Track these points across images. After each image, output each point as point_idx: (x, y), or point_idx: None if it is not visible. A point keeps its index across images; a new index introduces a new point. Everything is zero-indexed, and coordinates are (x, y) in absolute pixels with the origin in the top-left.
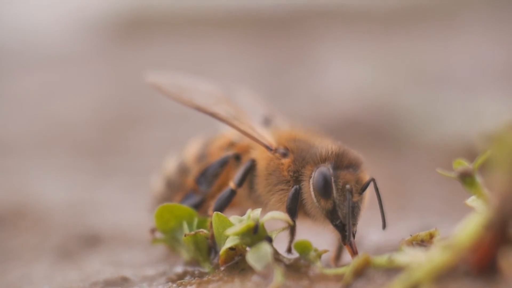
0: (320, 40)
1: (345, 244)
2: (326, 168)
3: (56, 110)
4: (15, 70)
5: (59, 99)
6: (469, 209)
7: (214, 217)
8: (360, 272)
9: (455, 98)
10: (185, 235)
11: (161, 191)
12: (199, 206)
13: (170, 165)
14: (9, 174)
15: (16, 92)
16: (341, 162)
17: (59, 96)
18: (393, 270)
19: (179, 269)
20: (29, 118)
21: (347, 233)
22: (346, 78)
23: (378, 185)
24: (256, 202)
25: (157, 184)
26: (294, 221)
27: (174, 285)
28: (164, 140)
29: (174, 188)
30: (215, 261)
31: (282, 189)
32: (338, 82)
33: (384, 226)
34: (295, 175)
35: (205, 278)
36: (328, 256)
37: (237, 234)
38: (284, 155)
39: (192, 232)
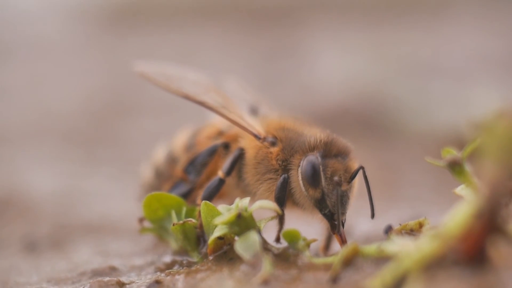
0: (311, 30)
1: (334, 233)
2: (314, 157)
3: (45, 100)
4: (4, 60)
5: (48, 89)
6: (458, 197)
7: (203, 206)
8: (349, 261)
9: (446, 87)
10: (173, 224)
11: (149, 181)
12: (187, 195)
13: (159, 155)
14: None
15: (5, 82)
16: (329, 151)
17: (49, 86)
18: (382, 259)
19: (167, 258)
20: (18, 108)
21: (336, 222)
22: (337, 67)
23: (368, 174)
24: (245, 191)
25: (145, 174)
26: (282, 210)
27: (163, 274)
28: (154, 129)
29: (162, 178)
30: (204, 250)
31: (271, 178)
32: (329, 72)
33: (372, 215)
34: (283, 164)
35: (193, 268)
36: (317, 245)
37: (225, 223)
38: (273, 143)
39: (181, 222)
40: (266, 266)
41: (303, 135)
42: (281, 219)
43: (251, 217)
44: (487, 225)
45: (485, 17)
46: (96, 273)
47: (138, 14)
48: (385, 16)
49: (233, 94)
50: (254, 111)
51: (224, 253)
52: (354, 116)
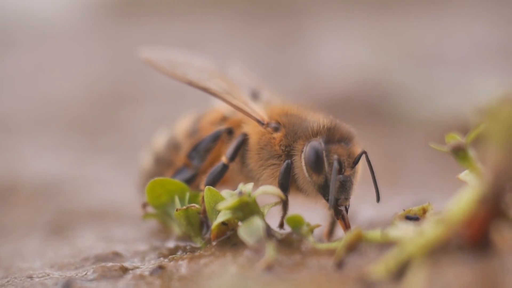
0: (315, 18)
1: (337, 219)
2: (317, 143)
3: (49, 88)
4: (9, 48)
5: (52, 77)
6: (462, 183)
7: (206, 191)
8: (353, 246)
9: (449, 75)
10: (176, 210)
11: (149, 168)
12: (191, 181)
13: (160, 141)
14: (2, 151)
15: (9, 70)
16: (332, 136)
17: (53, 74)
18: (385, 244)
19: (170, 244)
20: (22, 96)
21: (340, 208)
22: (341, 56)
23: (372, 161)
24: (248, 177)
25: (145, 160)
26: (286, 196)
27: (166, 260)
28: (157, 117)
29: (162, 165)
30: (207, 236)
31: (274, 164)
32: (333, 60)
33: (378, 198)
34: (287, 149)
35: (197, 253)
36: (321, 231)
37: (229, 208)
38: (276, 129)
39: (184, 207)
40: (270, 251)
41: (306, 120)
42: (284, 204)
43: (254, 203)
44: (491, 210)
45: (488, 6)
46: (100, 258)
47: (143, 3)
48: (389, 5)
49: (235, 80)
50: (255, 96)
51: (228, 239)
52: (358, 103)
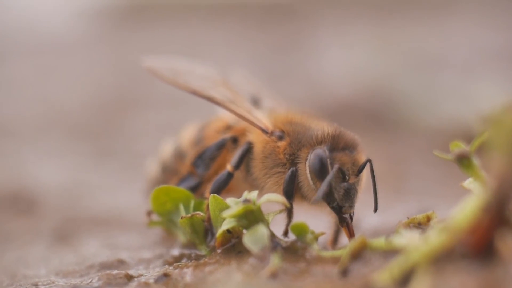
0: (317, 25)
1: (342, 227)
2: (322, 150)
3: (53, 94)
4: (13, 55)
5: (56, 83)
6: (466, 191)
7: (211, 199)
8: (357, 254)
9: (452, 81)
10: (181, 218)
11: (156, 176)
12: (196, 189)
13: (166, 150)
14: (5, 157)
15: (13, 76)
16: (337, 144)
17: (56, 80)
18: (390, 252)
19: (175, 251)
20: (26, 102)
21: (344, 215)
22: (343, 62)
23: (375, 168)
24: (253, 185)
25: (152, 169)
26: (291, 204)
27: (171, 267)
28: (160, 124)
29: (169, 173)
30: (212, 243)
31: (279, 172)
32: (335, 66)
33: (375, 208)
34: (291, 157)
35: (201, 261)
36: (325, 238)
37: (233, 216)
38: (280, 138)
39: (189, 215)
40: (274, 259)
41: (310, 128)
42: (289, 212)
43: (259, 211)
44: (495, 218)
45: (489, 12)
46: (104, 266)
47: (146, 10)
48: (391, 11)
49: (238, 87)
50: (256, 103)
51: (232, 246)
52: (361, 110)
